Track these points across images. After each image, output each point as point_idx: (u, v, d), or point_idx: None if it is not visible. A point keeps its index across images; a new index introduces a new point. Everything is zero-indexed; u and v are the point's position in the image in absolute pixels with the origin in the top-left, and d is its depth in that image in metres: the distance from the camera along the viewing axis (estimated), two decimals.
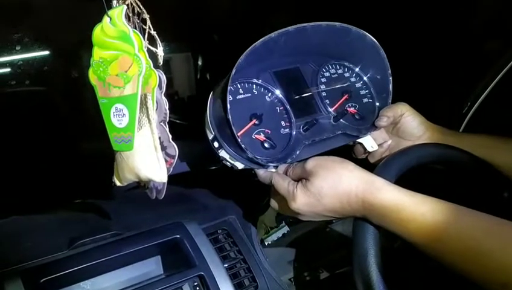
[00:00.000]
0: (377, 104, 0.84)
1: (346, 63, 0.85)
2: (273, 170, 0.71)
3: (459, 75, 0.95)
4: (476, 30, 0.93)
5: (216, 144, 0.69)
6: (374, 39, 0.78)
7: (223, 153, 0.69)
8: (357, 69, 0.85)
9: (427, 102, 0.93)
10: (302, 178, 0.64)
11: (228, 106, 0.64)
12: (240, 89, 0.73)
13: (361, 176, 0.61)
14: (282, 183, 0.65)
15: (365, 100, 0.84)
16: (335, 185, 0.61)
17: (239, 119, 0.69)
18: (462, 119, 0.93)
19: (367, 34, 0.77)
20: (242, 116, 0.71)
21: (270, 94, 0.76)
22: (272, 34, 0.67)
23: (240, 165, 0.70)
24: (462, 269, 0.54)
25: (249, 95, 0.74)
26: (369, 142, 0.79)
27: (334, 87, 0.82)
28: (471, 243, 0.53)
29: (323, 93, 0.80)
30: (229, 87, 0.65)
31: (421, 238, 0.56)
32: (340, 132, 0.76)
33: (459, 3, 0.91)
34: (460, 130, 0.93)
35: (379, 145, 0.78)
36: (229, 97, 0.66)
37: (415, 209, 0.57)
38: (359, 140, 0.79)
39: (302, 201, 0.63)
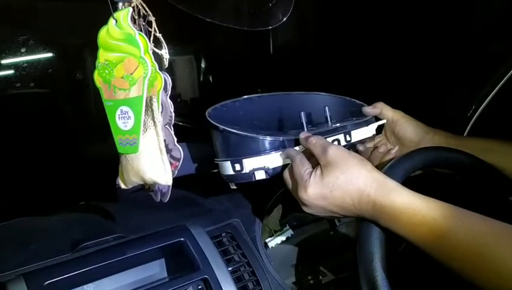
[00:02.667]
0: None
1: (318, 121, 0.85)
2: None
3: (464, 78, 0.95)
4: (481, 33, 0.93)
5: (238, 166, 0.69)
6: (315, 92, 0.87)
7: (247, 165, 0.69)
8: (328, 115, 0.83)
9: (432, 105, 0.93)
10: (318, 165, 0.64)
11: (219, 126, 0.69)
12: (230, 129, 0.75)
13: (377, 177, 0.61)
14: (299, 169, 0.64)
15: (354, 121, 0.84)
16: (351, 181, 0.60)
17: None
18: (467, 123, 0.93)
19: (305, 92, 0.86)
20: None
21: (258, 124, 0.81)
22: (227, 101, 0.81)
23: (270, 162, 0.69)
24: (471, 275, 0.53)
25: (238, 127, 0.76)
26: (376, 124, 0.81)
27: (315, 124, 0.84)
28: (482, 250, 0.52)
29: (309, 126, 0.81)
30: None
31: (430, 243, 0.55)
32: (341, 124, 0.77)
33: (465, 5, 0.90)
34: (465, 133, 0.93)
35: (388, 153, 0.78)
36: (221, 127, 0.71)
37: (427, 213, 0.56)
38: (372, 126, 0.79)
39: (313, 192, 0.62)
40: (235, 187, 0.74)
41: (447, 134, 0.78)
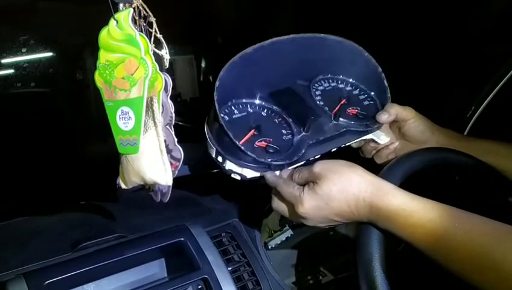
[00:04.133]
0: (379, 103, 0.83)
1: (336, 76, 0.84)
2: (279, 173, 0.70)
3: (464, 78, 0.95)
4: (481, 34, 0.93)
5: (220, 159, 0.69)
6: (353, 43, 0.77)
7: (228, 165, 0.69)
8: (350, 79, 0.84)
9: (431, 105, 0.93)
10: (309, 181, 0.64)
11: (221, 117, 0.65)
12: (235, 110, 0.74)
13: (370, 180, 0.61)
14: (287, 189, 0.64)
15: (366, 103, 0.83)
16: (344, 189, 0.60)
17: (238, 133, 0.70)
18: (467, 123, 0.93)
19: (343, 39, 0.76)
20: (241, 130, 0.71)
21: (265, 110, 0.76)
22: (248, 50, 0.69)
23: (248, 173, 0.69)
24: (470, 277, 0.53)
25: (245, 113, 0.74)
26: (378, 135, 0.78)
27: (330, 97, 0.81)
28: (480, 251, 0.52)
29: (321, 103, 0.79)
30: (219, 110, 0.66)
31: (428, 245, 0.55)
32: (344, 129, 0.76)
33: (465, 6, 0.90)
34: (464, 134, 0.93)
35: (385, 147, 0.78)
36: (225, 118, 0.68)
37: (423, 215, 0.56)
38: (368, 136, 0.78)
39: (309, 205, 0.62)
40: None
41: (452, 134, 0.78)
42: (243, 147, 0.65)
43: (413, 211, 0.57)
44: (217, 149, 0.68)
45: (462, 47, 0.94)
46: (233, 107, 0.74)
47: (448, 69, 0.96)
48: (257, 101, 0.77)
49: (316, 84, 0.82)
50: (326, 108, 0.79)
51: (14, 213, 0.82)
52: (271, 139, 0.72)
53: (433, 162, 0.71)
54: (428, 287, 0.83)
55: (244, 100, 0.76)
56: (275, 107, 0.77)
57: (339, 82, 0.84)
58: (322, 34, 0.75)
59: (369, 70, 0.81)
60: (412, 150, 0.73)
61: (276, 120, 0.76)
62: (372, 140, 0.79)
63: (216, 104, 0.66)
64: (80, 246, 0.75)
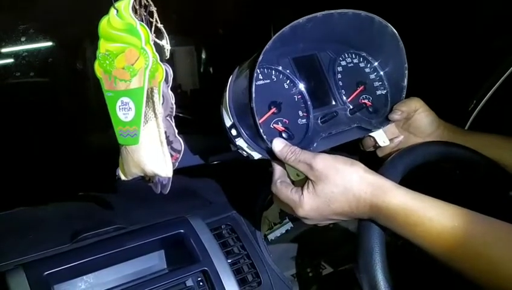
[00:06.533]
0: (390, 97, 0.82)
1: (364, 54, 0.82)
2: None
3: (466, 72, 0.95)
4: (483, 29, 0.93)
5: (234, 132, 0.66)
6: (395, 30, 0.76)
7: (240, 142, 0.67)
8: (375, 63, 0.82)
9: (433, 99, 0.93)
10: (308, 180, 0.63)
11: (253, 94, 0.62)
12: (260, 75, 0.70)
13: (371, 180, 0.60)
14: (286, 192, 0.63)
15: (378, 92, 0.82)
16: (345, 191, 0.60)
17: (259, 107, 0.66)
18: (468, 117, 0.93)
19: (389, 24, 0.75)
20: (261, 103, 0.68)
21: (288, 81, 0.73)
22: (300, 20, 0.65)
23: (256, 156, 0.68)
24: (471, 275, 0.53)
25: (268, 81, 0.71)
26: (381, 136, 0.78)
27: (349, 77, 0.80)
28: (480, 250, 0.52)
29: (340, 83, 0.78)
30: (254, 74, 0.62)
31: (428, 243, 0.55)
32: (355, 125, 0.75)
33: (467, 1, 0.90)
34: (466, 128, 0.93)
35: (390, 140, 0.78)
36: (254, 84, 0.63)
37: (423, 214, 0.55)
38: (372, 134, 0.78)
39: (310, 207, 0.61)
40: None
41: (454, 128, 0.77)
42: (264, 136, 0.63)
43: (413, 209, 0.56)
44: (234, 122, 0.66)
45: (464, 41, 0.94)
46: (259, 70, 0.70)
47: (450, 63, 0.96)
48: (281, 68, 0.73)
49: (341, 58, 0.80)
50: (343, 91, 0.78)
51: (13, 204, 0.82)
52: (287, 121, 0.70)
53: (434, 156, 0.71)
54: (429, 280, 0.83)
55: (272, 66, 0.72)
56: (297, 81, 0.74)
57: (362, 60, 0.83)
58: (371, 14, 0.74)
59: (397, 61, 0.80)
60: (413, 145, 0.73)
61: (296, 97, 0.73)
62: (373, 138, 0.78)
63: (253, 87, 0.62)
64: (79, 237, 0.75)
